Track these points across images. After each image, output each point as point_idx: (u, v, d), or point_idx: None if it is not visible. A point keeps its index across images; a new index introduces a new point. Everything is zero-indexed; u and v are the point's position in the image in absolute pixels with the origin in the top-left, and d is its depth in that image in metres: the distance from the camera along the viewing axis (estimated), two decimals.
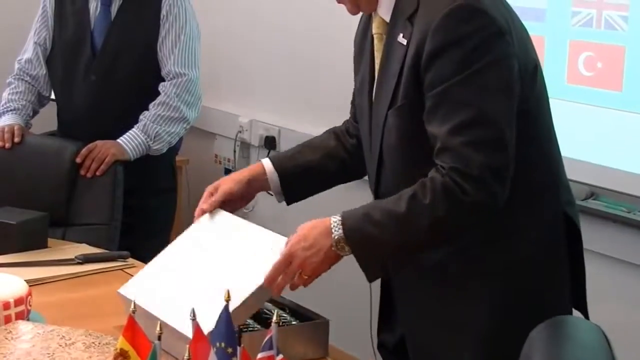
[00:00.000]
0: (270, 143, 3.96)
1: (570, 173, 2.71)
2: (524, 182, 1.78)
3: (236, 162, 4.12)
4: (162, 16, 3.09)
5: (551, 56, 2.80)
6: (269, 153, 3.96)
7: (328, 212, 1.83)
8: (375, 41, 1.86)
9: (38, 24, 3.20)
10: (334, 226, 1.76)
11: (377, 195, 1.92)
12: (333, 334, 1.96)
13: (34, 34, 3.20)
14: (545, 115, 1.84)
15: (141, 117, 3.06)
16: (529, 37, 1.83)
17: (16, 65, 3.22)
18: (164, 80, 3.10)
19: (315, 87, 3.79)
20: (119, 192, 2.92)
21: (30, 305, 1.92)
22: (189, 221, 4.69)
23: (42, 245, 2.58)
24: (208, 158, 4.30)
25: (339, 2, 1.89)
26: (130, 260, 2.50)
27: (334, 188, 2.18)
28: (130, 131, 3.03)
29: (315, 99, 3.79)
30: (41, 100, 3.24)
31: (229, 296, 1.44)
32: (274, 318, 1.43)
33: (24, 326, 1.81)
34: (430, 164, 1.73)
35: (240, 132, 4.08)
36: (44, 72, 3.20)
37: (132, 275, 2.38)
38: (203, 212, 2.09)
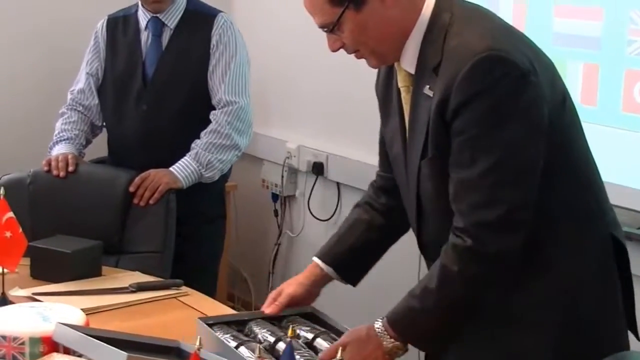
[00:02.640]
0: (318, 169, 3.97)
1: (626, 201, 2.70)
2: (570, 210, 1.82)
3: (283, 187, 4.14)
4: (212, 45, 3.13)
5: (606, 84, 2.78)
6: (316, 179, 4.00)
7: None
8: (403, 94, 1.89)
9: (90, 54, 3.25)
10: (381, 335, 1.84)
11: (420, 238, 1.97)
12: None
13: (86, 65, 3.25)
14: (580, 141, 1.87)
15: (193, 145, 3.08)
16: (555, 68, 1.85)
17: (69, 96, 3.27)
18: (214, 109, 3.12)
19: (363, 114, 3.80)
20: (171, 220, 2.94)
21: None
22: (236, 247, 4.69)
23: (96, 273, 2.62)
24: (255, 183, 4.33)
25: (359, 57, 1.92)
26: (184, 289, 2.52)
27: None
28: (182, 159, 3.05)
29: (363, 125, 3.80)
30: (94, 130, 3.28)
31: (292, 332, 1.45)
32: (338, 355, 1.44)
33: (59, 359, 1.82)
34: None
35: (288, 157, 4.10)
36: (96, 102, 3.24)
37: (186, 304, 2.43)
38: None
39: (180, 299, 2.46)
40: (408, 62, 1.85)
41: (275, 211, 4.24)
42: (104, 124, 3.28)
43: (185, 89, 3.13)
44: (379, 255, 2.18)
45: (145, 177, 2.97)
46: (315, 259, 2.15)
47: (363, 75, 4.03)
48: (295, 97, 4.17)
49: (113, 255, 2.84)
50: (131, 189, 2.95)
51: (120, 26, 3.21)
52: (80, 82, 3.25)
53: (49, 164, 3.02)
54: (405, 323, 1.83)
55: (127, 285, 2.49)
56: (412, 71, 1.85)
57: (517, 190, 1.74)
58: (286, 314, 2.12)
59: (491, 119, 1.72)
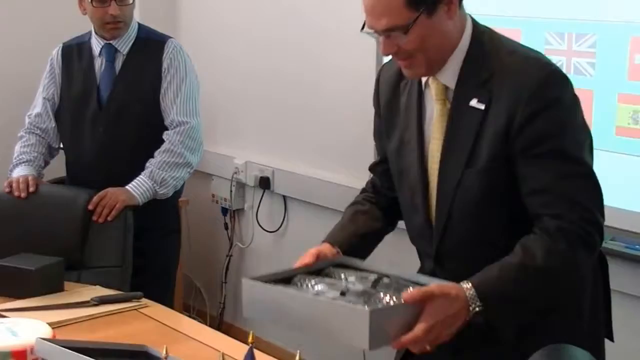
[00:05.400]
0: (265, 183, 4.09)
1: None
2: None
3: (232, 202, 4.27)
4: (163, 69, 3.25)
5: None
6: (263, 192, 4.13)
7: None
8: (438, 106, 1.94)
9: (46, 80, 3.36)
10: (470, 299, 1.79)
11: (441, 245, 1.99)
12: None
13: (43, 90, 3.36)
14: None
15: (147, 164, 3.19)
16: None
17: (26, 120, 3.37)
18: (167, 129, 3.25)
19: (305, 130, 3.97)
20: (129, 236, 3.04)
21: None
22: (190, 259, 4.79)
23: (59, 288, 2.69)
24: (206, 198, 4.43)
25: (406, 66, 1.90)
26: (144, 301, 2.60)
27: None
28: (138, 178, 3.17)
29: (306, 141, 3.97)
30: (51, 152, 3.39)
31: (253, 338, 1.49)
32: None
33: None
34: (503, 220, 1.91)
35: (236, 173, 4.21)
36: (53, 125, 3.35)
37: (146, 315, 2.52)
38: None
39: (140, 310, 2.55)
40: (449, 76, 1.91)
41: (226, 224, 4.36)
42: (61, 145, 3.39)
43: (139, 111, 3.26)
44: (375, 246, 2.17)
45: (103, 196, 3.08)
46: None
47: (307, 94, 4.22)
48: (241, 116, 4.28)
49: (75, 271, 2.92)
50: (90, 207, 3.05)
51: (74, 53, 3.32)
52: (38, 106, 3.35)
53: (10, 186, 3.12)
54: (497, 295, 1.79)
55: (89, 299, 2.56)
56: (452, 85, 1.91)
57: (598, 190, 1.88)
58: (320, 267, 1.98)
59: (567, 125, 1.85)
